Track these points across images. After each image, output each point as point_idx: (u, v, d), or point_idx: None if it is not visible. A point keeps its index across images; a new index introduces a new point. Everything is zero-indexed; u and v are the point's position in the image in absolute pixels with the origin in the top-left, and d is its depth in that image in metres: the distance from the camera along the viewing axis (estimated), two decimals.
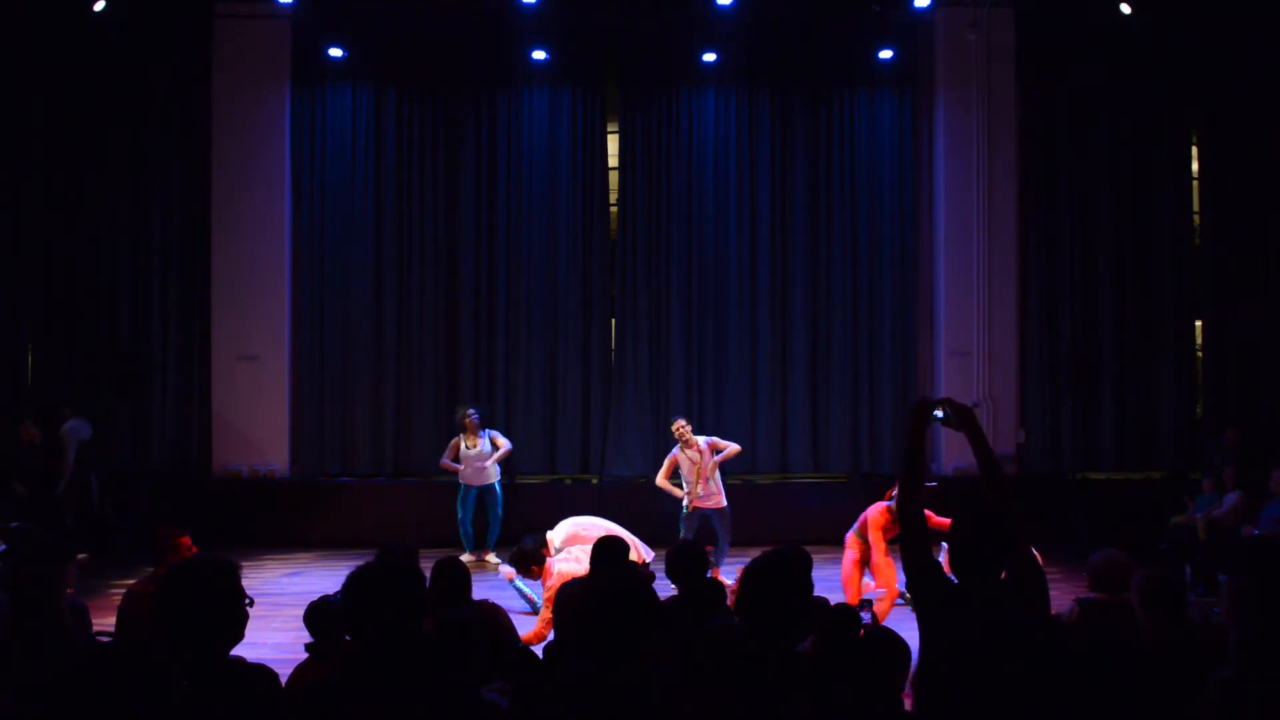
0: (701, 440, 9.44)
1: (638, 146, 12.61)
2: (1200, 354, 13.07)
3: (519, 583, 8.35)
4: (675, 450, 9.51)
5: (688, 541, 6.67)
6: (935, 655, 2.65)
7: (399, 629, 2.54)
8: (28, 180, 12.27)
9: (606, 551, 5.11)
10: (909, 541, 3.12)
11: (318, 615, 4.65)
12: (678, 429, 9.46)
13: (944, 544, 7.17)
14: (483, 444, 10.59)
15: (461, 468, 10.59)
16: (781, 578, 2.76)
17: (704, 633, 3.39)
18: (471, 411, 10.71)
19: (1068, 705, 2.54)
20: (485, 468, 10.54)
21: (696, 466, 9.32)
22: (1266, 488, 9.31)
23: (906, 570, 3.09)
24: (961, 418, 3.34)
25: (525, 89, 12.58)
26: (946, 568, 3.26)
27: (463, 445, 10.62)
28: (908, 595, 8.41)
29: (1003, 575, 2.98)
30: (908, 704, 3.07)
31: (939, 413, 3.38)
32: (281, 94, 12.19)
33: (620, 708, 2.52)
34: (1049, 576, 3.25)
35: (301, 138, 12.39)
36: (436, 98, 12.54)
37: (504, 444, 10.71)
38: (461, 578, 4.51)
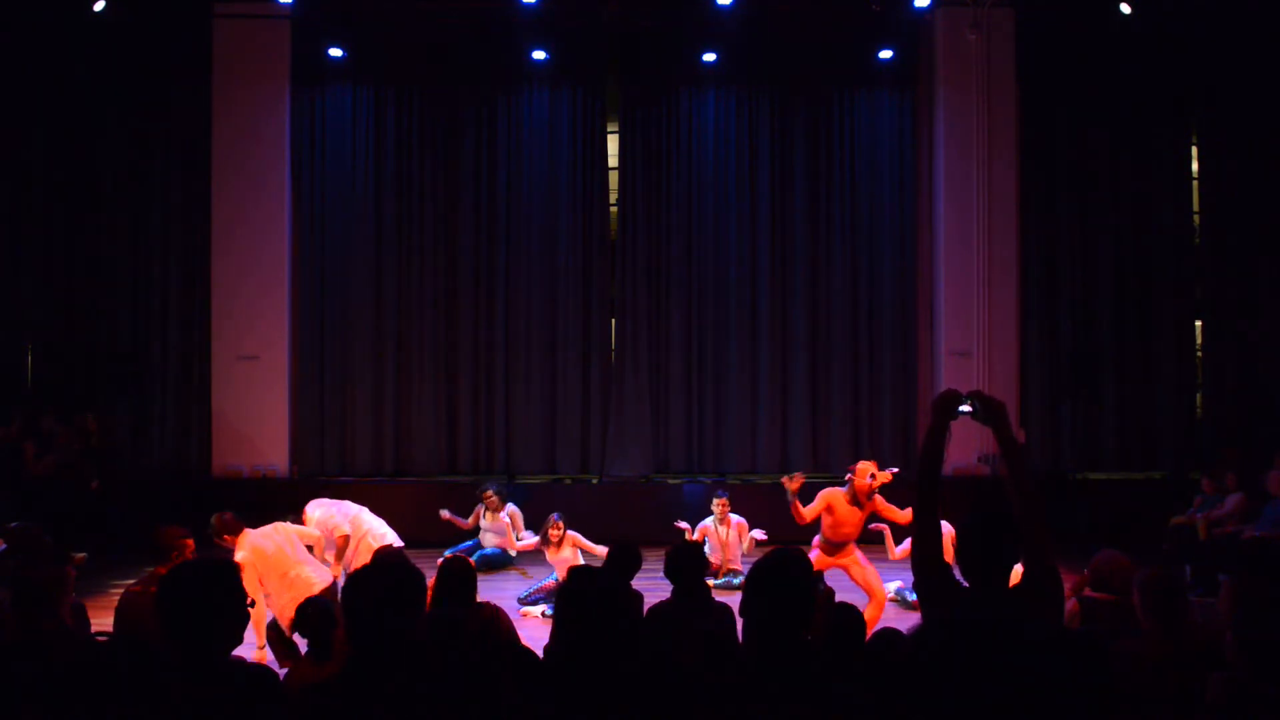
0: (734, 519, 9.44)
1: (638, 146, 12.61)
2: (1200, 354, 13.07)
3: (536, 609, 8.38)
4: (708, 522, 9.51)
5: (687, 542, 6.66)
6: (933, 646, 2.64)
7: (398, 630, 2.54)
8: (27, 180, 12.28)
9: (621, 559, 5.16)
10: (922, 540, 3.04)
11: (307, 616, 4.68)
12: (722, 508, 9.44)
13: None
14: (503, 518, 10.24)
15: (468, 525, 10.38)
16: (784, 579, 2.75)
17: (702, 632, 3.39)
18: (492, 487, 10.42)
19: (1067, 704, 2.54)
20: (506, 539, 10.24)
21: (724, 545, 9.36)
22: (1265, 488, 9.33)
23: (916, 569, 3.03)
24: (991, 412, 3.17)
25: (525, 89, 12.58)
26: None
27: (483, 518, 10.36)
28: (900, 595, 8.41)
29: (1018, 581, 2.93)
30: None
31: (966, 406, 3.17)
32: (281, 94, 12.18)
33: (619, 708, 2.52)
34: None
35: (301, 138, 12.39)
36: (436, 98, 12.54)
37: (524, 534, 10.18)
38: (467, 578, 4.54)
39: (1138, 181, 12.83)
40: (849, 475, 7.16)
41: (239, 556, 6.80)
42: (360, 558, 7.35)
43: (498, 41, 12.25)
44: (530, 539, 9.17)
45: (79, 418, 11.34)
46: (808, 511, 7.13)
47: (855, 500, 7.09)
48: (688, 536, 9.28)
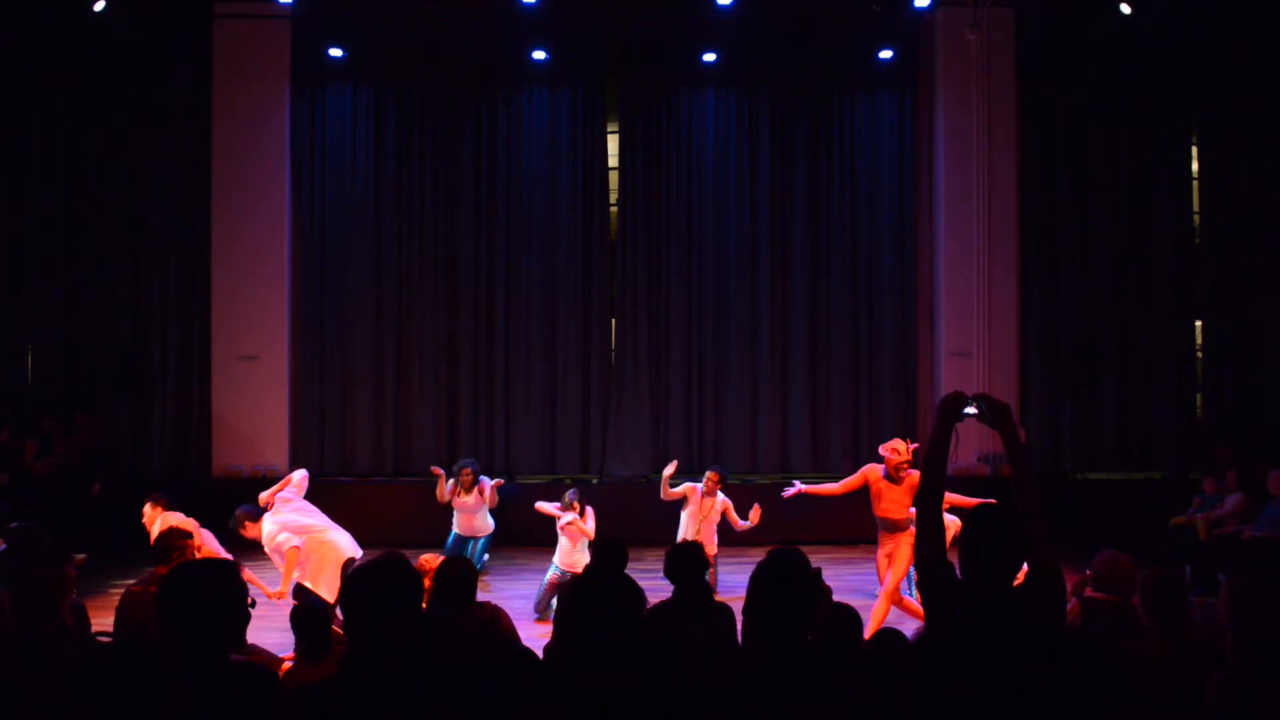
0: (720, 498, 9.26)
1: (638, 146, 12.61)
2: (1200, 354, 13.07)
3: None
4: (699, 485, 9.38)
5: (687, 542, 6.66)
6: (937, 645, 2.64)
7: (396, 629, 2.54)
8: (28, 179, 12.28)
9: (607, 553, 5.14)
10: (925, 540, 3.04)
11: (303, 617, 4.70)
12: (710, 479, 9.28)
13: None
14: (477, 494, 9.72)
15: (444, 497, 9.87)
16: (784, 579, 2.76)
17: (702, 632, 3.39)
18: (471, 464, 9.95)
19: (1068, 704, 2.54)
20: (476, 518, 9.83)
21: (703, 517, 9.23)
22: (1266, 488, 9.33)
23: (919, 567, 3.03)
24: (997, 414, 3.15)
25: (525, 89, 12.58)
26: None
27: (457, 495, 9.83)
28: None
29: (1019, 581, 2.93)
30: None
31: (971, 409, 3.16)
32: (281, 94, 12.19)
33: (619, 708, 2.52)
34: None
35: (301, 138, 12.39)
36: (436, 98, 12.53)
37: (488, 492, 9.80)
38: (466, 578, 4.54)
39: (1138, 182, 12.83)
40: (882, 453, 7.40)
41: (283, 538, 7.19)
42: (324, 569, 7.19)
43: (498, 41, 12.25)
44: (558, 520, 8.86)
45: (79, 418, 11.37)
46: (842, 485, 7.64)
47: (889, 476, 7.27)
48: (668, 471, 9.21)
